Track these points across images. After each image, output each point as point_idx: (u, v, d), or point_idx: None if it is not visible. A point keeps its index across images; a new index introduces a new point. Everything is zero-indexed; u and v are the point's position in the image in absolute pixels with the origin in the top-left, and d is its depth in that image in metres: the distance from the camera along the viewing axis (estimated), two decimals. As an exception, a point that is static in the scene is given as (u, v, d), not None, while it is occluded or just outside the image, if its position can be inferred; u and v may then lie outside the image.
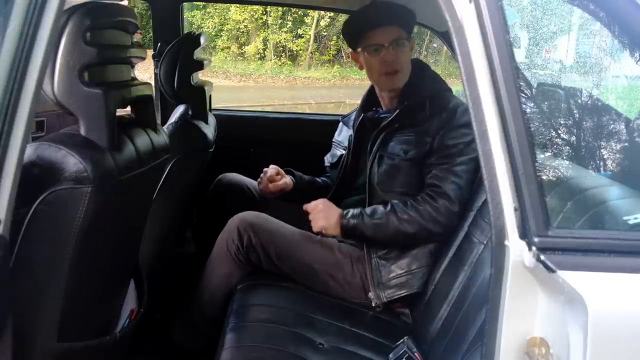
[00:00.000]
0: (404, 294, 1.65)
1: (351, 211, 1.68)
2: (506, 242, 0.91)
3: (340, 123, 2.21)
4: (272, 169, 2.01)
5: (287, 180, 2.03)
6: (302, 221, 1.96)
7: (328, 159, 2.16)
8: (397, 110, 1.74)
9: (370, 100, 1.92)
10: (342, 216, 1.68)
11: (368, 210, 1.67)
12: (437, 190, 1.61)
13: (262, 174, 2.02)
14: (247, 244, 1.71)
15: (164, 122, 2.16)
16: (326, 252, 1.73)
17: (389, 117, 1.75)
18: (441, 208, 1.59)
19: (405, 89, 1.76)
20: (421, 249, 1.67)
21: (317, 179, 2.15)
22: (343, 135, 2.14)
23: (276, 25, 13.02)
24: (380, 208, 1.66)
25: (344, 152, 2.04)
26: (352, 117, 2.04)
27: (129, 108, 1.36)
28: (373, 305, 1.67)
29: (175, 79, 1.84)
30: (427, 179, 1.66)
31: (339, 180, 1.97)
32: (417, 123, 1.70)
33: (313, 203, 1.74)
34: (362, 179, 1.83)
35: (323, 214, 1.70)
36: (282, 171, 2.03)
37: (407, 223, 1.61)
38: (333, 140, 2.18)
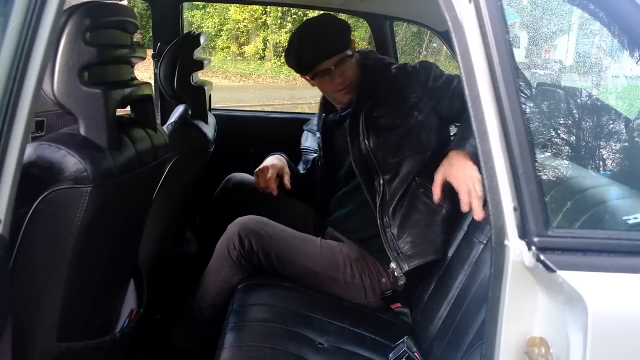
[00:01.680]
0: (424, 262, 1.65)
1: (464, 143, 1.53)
2: (506, 242, 0.91)
3: (305, 131, 2.21)
4: (273, 173, 1.96)
5: (287, 171, 2.01)
6: (307, 222, 1.97)
7: (302, 167, 2.15)
8: (351, 109, 1.80)
9: (327, 102, 1.99)
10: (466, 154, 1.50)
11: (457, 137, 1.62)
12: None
13: (261, 173, 1.98)
14: (249, 249, 1.71)
15: (164, 122, 2.16)
16: (326, 255, 1.74)
17: (348, 115, 1.82)
18: None
19: (362, 84, 1.83)
20: (434, 217, 1.68)
21: (299, 168, 2.17)
22: (310, 141, 2.15)
23: (276, 25, 13.02)
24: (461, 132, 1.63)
25: (315, 155, 2.07)
26: (315, 122, 2.09)
27: (129, 108, 1.36)
28: (396, 275, 1.69)
29: (175, 79, 1.84)
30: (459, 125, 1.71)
31: (321, 181, 2.00)
32: (392, 92, 1.76)
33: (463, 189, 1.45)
34: (343, 170, 1.88)
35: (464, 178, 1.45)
36: (280, 167, 2.00)
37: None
38: (301, 148, 2.19)
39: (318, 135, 2.03)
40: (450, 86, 1.74)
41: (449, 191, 1.53)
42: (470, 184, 1.41)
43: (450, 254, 1.62)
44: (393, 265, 1.68)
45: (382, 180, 1.73)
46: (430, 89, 1.75)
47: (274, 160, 2.03)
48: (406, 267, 1.66)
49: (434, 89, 1.75)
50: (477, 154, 1.24)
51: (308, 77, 1.86)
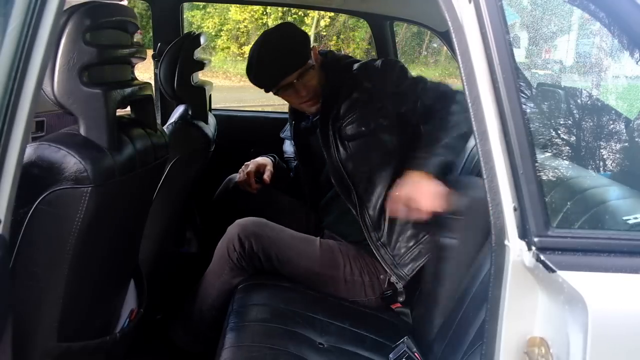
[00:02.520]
0: (423, 263, 1.66)
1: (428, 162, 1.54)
2: (506, 242, 0.91)
3: (285, 140, 2.22)
4: (252, 167, 2.03)
5: (269, 168, 2.06)
6: (308, 221, 1.97)
7: (292, 174, 2.17)
8: (319, 114, 1.79)
9: (295, 112, 1.97)
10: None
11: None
12: (444, 107, 1.62)
13: (243, 169, 2.05)
14: (249, 251, 1.71)
15: (164, 122, 2.16)
16: (325, 254, 1.74)
17: (318, 120, 1.80)
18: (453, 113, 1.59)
19: (325, 87, 1.81)
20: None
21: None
22: (289, 148, 2.16)
23: (276, 25, 13.00)
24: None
25: (293, 161, 2.10)
26: (286, 127, 2.11)
27: (129, 108, 1.36)
28: (398, 289, 1.69)
29: (175, 79, 1.84)
30: (425, 130, 1.66)
31: (305, 187, 2.01)
32: (353, 104, 1.73)
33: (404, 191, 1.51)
34: (323, 176, 1.88)
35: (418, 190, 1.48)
36: (261, 163, 2.06)
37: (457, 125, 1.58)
38: (285, 157, 2.20)
39: (292, 143, 2.05)
40: (414, 90, 1.71)
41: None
42: (432, 201, 1.43)
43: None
44: (393, 279, 1.69)
45: (355, 193, 1.73)
46: (393, 93, 1.72)
47: (258, 159, 2.09)
48: (405, 275, 1.66)
49: (397, 93, 1.72)
50: (439, 169, 1.40)
51: (272, 92, 1.84)
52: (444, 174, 1.51)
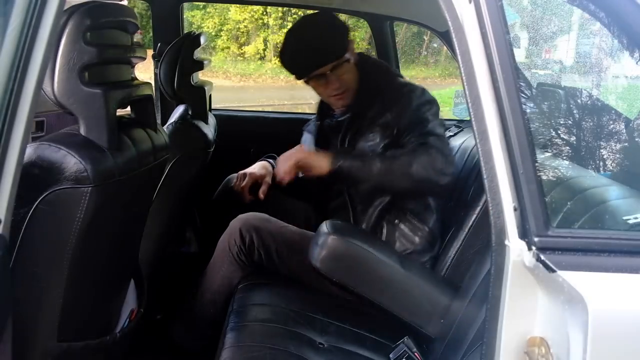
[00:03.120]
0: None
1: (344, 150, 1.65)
2: (506, 242, 0.91)
3: (305, 132, 2.16)
4: (249, 181, 1.99)
5: (267, 179, 2.02)
6: (308, 220, 1.96)
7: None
8: (348, 115, 1.77)
9: (324, 106, 1.93)
10: (335, 154, 1.63)
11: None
12: (424, 145, 1.58)
13: (239, 178, 2.01)
14: (249, 245, 1.71)
15: (164, 122, 2.16)
16: None
17: (344, 121, 1.78)
18: (436, 156, 1.55)
19: (358, 90, 1.78)
20: (416, 246, 1.69)
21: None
22: (309, 143, 2.09)
23: (276, 25, 13.02)
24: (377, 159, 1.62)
25: None
26: (311, 122, 2.05)
27: (129, 108, 1.36)
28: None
29: (175, 79, 1.84)
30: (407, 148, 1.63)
31: (318, 186, 1.96)
32: (374, 119, 1.71)
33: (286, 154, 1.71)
34: (338, 185, 1.83)
35: (305, 153, 1.67)
36: (256, 173, 2.02)
37: (406, 167, 1.55)
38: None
39: (312, 139, 1.99)
40: (423, 129, 1.64)
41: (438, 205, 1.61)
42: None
43: (450, 254, 1.62)
44: None
45: (352, 213, 1.75)
46: (401, 128, 1.67)
47: (258, 167, 2.05)
48: None
49: (404, 129, 1.66)
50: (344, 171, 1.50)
51: (303, 80, 1.81)
52: (343, 175, 1.60)
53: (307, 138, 2.12)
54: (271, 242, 1.71)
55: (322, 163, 1.62)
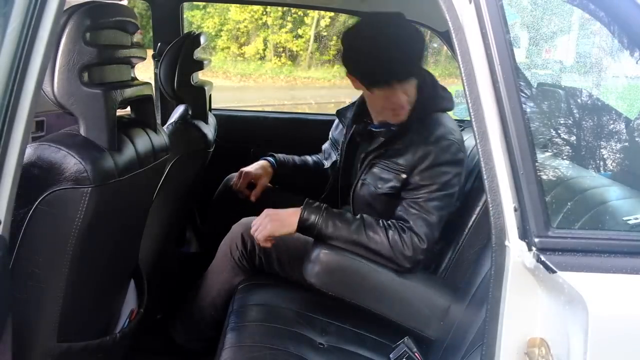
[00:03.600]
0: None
1: (315, 203, 1.56)
2: (506, 243, 0.91)
3: (337, 117, 2.01)
4: (243, 182, 1.99)
5: (262, 181, 2.02)
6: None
7: (324, 156, 2.10)
8: (386, 135, 1.63)
9: (363, 109, 1.78)
10: (304, 205, 1.55)
11: (335, 210, 1.57)
12: (404, 225, 1.52)
13: (237, 176, 2.04)
14: (251, 251, 1.71)
15: (164, 122, 2.16)
16: None
17: (375, 135, 1.67)
18: (409, 242, 1.49)
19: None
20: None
21: (308, 159, 2.14)
22: (338, 132, 2.02)
23: (276, 25, 13.02)
24: (349, 213, 1.56)
25: (336, 156, 1.95)
26: (348, 115, 1.88)
27: (129, 108, 1.36)
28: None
29: (175, 79, 1.84)
30: (396, 210, 1.56)
31: (331, 187, 1.92)
32: (398, 154, 1.59)
33: (254, 219, 1.61)
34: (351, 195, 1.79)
35: (268, 218, 1.57)
36: (252, 173, 2.02)
37: (372, 241, 1.50)
38: (330, 135, 2.09)
39: (343, 137, 1.88)
40: (422, 195, 1.54)
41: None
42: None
43: (450, 254, 1.62)
44: None
45: None
46: (414, 183, 1.56)
47: (255, 167, 2.04)
48: None
49: (415, 185, 1.55)
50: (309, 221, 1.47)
51: (376, 90, 1.61)
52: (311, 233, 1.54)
53: (338, 126, 2.01)
54: (272, 249, 1.71)
55: (291, 222, 1.55)
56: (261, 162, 2.08)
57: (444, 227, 1.71)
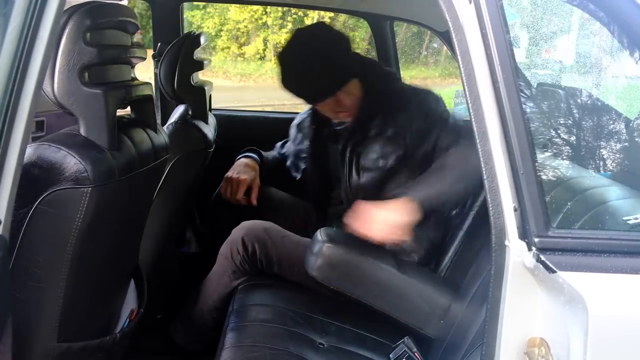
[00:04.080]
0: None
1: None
2: (506, 243, 0.91)
3: (294, 129, 2.07)
4: (241, 190, 1.92)
5: (257, 183, 1.96)
6: (307, 220, 1.96)
7: (293, 170, 2.07)
8: (349, 124, 1.72)
9: (319, 115, 1.84)
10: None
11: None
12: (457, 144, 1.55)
13: (229, 183, 1.94)
14: (252, 254, 1.71)
15: (164, 122, 2.16)
16: None
17: (344, 131, 1.74)
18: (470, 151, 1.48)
19: (361, 103, 1.72)
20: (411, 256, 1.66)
21: (274, 153, 2.13)
22: (298, 144, 2.04)
23: (276, 25, 13.02)
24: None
25: (305, 164, 1.98)
26: (306, 124, 1.96)
27: (129, 108, 1.36)
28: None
29: (175, 79, 1.84)
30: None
31: (317, 194, 1.94)
32: (381, 132, 1.66)
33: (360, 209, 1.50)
34: (337, 192, 1.81)
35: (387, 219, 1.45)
36: (249, 180, 1.96)
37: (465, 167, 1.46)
38: (287, 150, 2.10)
39: (306, 143, 1.93)
40: (436, 130, 1.61)
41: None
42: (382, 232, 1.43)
43: (450, 254, 1.62)
44: None
45: None
46: (417, 129, 1.63)
47: (244, 169, 1.96)
48: None
49: (421, 129, 1.63)
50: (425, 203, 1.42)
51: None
52: (430, 210, 1.47)
53: (297, 137, 2.03)
54: (273, 253, 1.71)
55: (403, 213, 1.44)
56: (245, 161, 2.01)
57: (444, 227, 1.71)
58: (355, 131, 1.72)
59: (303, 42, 1.71)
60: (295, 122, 2.06)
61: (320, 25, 1.76)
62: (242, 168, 1.98)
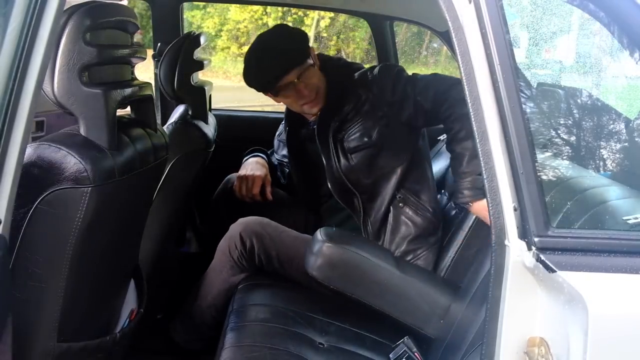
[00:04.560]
0: None
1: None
2: (506, 242, 0.91)
3: (276, 140, 2.19)
4: (256, 187, 1.97)
5: (269, 179, 2.02)
6: (308, 220, 1.96)
7: (280, 176, 2.15)
8: (323, 113, 1.75)
9: (295, 116, 1.91)
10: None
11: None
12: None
13: (244, 181, 1.98)
14: (250, 250, 1.71)
15: (164, 122, 2.16)
16: None
17: (319, 119, 1.77)
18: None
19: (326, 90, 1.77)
20: (421, 230, 1.68)
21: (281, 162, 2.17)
22: (281, 155, 2.13)
23: (276, 25, 13.01)
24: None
25: (287, 169, 2.05)
26: (282, 136, 2.04)
27: (129, 108, 1.36)
28: None
29: (175, 79, 1.84)
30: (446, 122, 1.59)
31: (306, 195, 1.98)
32: (356, 110, 1.70)
33: None
34: (324, 187, 1.82)
35: None
36: (264, 177, 2.01)
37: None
38: (277, 158, 2.17)
39: (285, 152, 2.00)
40: (410, 93, 1.65)
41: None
42: None
43: (450, 254, 1.62)
44: None
45: (359, 200, 1.72)
46: (392, 102, 1.67)
47: (257, 167, 2.02)
48: None
49: (395, 101, 1.67)
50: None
51: (271, 94, 1.79)
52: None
53: (280, 145, 2.12)
54: (272, 248, 1.71)
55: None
56: (255, 159, 2.07)
57: (444, 227, 1.71)
58: (329, 119, 1.74)
59: (261, 36, 1.82)
60: (277, 133, 2.16)
61: (278, 25, 1.86)
62: (254, 165, 2.03)
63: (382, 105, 1.68)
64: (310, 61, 1.74)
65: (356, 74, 1.79)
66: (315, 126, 1.81)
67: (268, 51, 1.75)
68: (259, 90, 1.81)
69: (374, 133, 1.69)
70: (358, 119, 1.71)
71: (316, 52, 1.80)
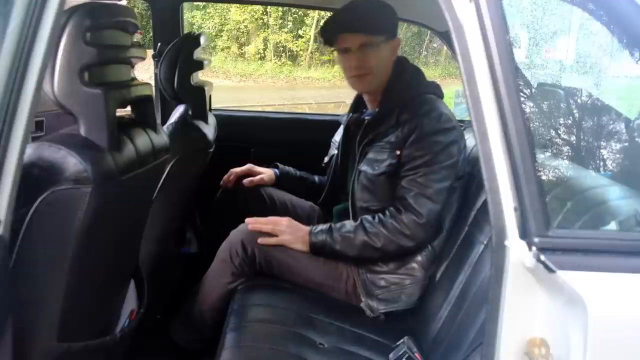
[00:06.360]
0: (396, 309, 1.65)
1: (320, 227, 1.68)
2: (506, 242, 0.91)
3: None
4: (242, 169, 2.11)
5: (264, 176, 2.10)
6: (309, 222, 1.96)
7: (325, 159, 2.16)
8: (371, 118, 1.74)
9: (360, 100, 1.91)
10: (310, 233, 1.68)
11: (337, 224, 1.67)
12: (403, 202, 1.59)
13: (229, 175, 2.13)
14: (251, 257, 1.71)
15: (164, 122, 2.16)
16: (329, 265, 1.72)
17: (365, 122, 1.75)
18: (407, 221, 1.57)
19: (386, 92, 1.74)
20: (412, 263, 1.65)
21: (314, 177, 2.18)
22: (339, 135, 2.12)
23: (276, 25, 13.03)
24: (349, 223, 1.66)
25: (336, 152, 2.03)
26: (345, 115, 2.02)
27: (129, 108, 1.36)
28: (367, 315, 1.65)
29: (175, 79, 1.84)
30: (396, 190, 1.63)
31: (330, 183, 1.99)
32: (387, 134, 1.67)
33: (274, 218, 1.73)
34: (349, 186, 1.82)
35: (289, 229, 1.70)
36: (256, 168, 2.13)
37: (374, 237, 1.59)
38: (332, 140, 2.19)
39: (331, 152, 2.01)
40: (418, 169, 1.59)
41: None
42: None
43: (450, 254, 1.62)
44: (362, 304, 1.66)
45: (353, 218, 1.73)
46: (407, 157, 1.61)
47: (261, 169, 2.14)
48: (375, 308, 1.65)
49: (409, 159, 1.61)
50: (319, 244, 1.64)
51: (333, 49, 1.76)
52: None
53: (340, 129, 2.09)
54: (273, 256, 1.71)
55: (305, 241, 1.68)
56: (266, 169, 2.15)
57: (444, 225, 1.70)
58: (372, 126, 1.71)
59: None
60: (341, 117, 2.10)
61: None
62: (262, 169, 2.16)
63: (400, 147, 1.63)
64: (381, 41, 1.68)
65: (421, 91, 1.71)
66: (364, 117, 1.81)
67: (348, 7, 1.73)
68: (325, 41, 1.78)
69: (383, 165, 1.66)
70: (383, 144, 1.67)
71: (394, 57, 1.74)
